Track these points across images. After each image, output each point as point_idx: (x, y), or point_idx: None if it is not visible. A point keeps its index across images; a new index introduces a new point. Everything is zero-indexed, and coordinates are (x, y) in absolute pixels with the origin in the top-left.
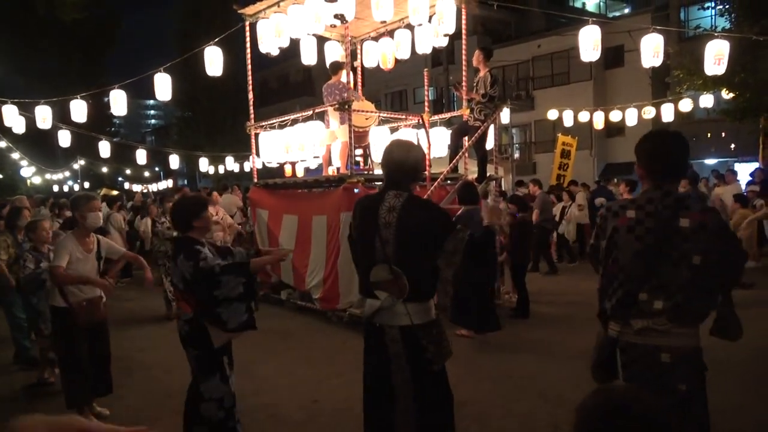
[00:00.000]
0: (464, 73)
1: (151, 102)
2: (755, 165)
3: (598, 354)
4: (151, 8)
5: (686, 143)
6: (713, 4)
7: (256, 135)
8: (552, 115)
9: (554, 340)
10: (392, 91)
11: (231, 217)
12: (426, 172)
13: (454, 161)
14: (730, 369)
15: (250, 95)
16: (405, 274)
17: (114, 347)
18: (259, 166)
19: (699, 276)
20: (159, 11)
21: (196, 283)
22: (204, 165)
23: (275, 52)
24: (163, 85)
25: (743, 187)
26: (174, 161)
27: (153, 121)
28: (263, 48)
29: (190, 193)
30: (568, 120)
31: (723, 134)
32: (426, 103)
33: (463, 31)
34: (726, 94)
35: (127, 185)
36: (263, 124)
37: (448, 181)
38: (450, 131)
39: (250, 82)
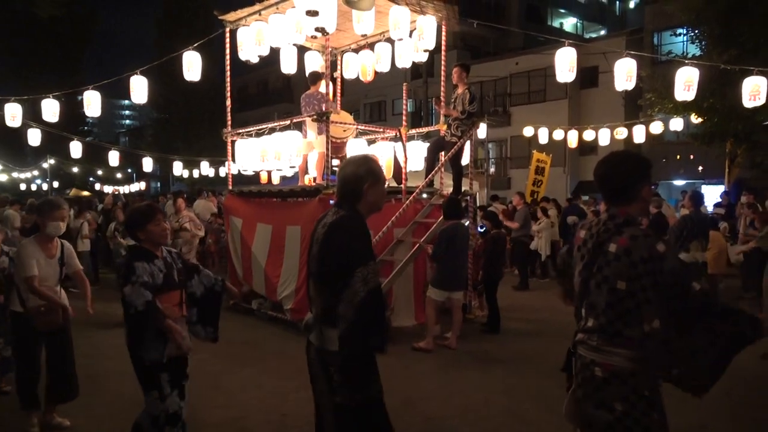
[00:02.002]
0: (443, 87)
1: (127, 102)
2: (722, 187)
3: (565, 358)
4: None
5: (636, 167)
6: (685, 31)
7: (233, 142)
8: (528, 131)
9: (524, 355)
10: (371, 101)
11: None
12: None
13: (430, 176)
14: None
15: (228, 102)
16: (320, 295)
17: (80, 353)
18: (235, 173)
19: (624, 301)
20: (139, 11)
21: (122, 302)
22: (178, 168)
23: (255, 60)
24: (139, 88)
25: (710, 209)
26: (148, 164)
27: (128, 121)
28: (243, 55)
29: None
30: (543, 137)
31: (691, 157)
32: (404, 117)
33: (443, 47)
34: (695, 119)
35: (98, 186)
36: (240, 131)
37: (424, 195)
38: (427, 145)
39: (228, 89)
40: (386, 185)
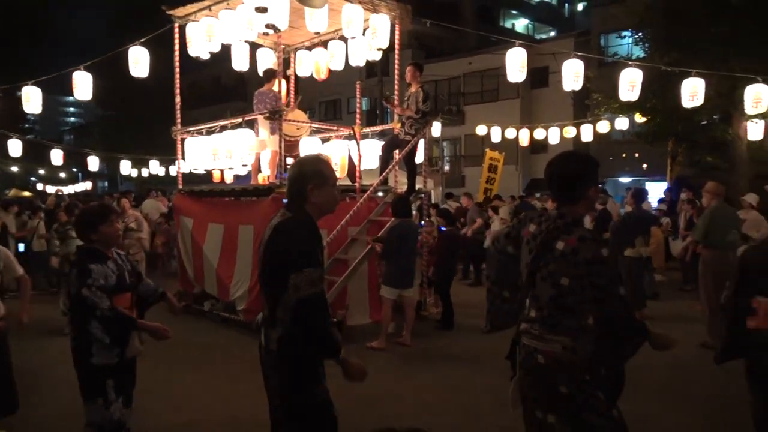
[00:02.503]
0: (396, 86)
1: (71, 99)
2: (664, 185)
3: (509, 348)
4: (77, 1)
5: (584, 168)
6: (630, 34)
7: (183, 140)
8: (481, 130)
9: (478, 351)
10: (326, 99)
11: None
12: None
13: (384, 174)
14: (644, 379)
15: (177, 99)
16: (264, 296)
17: (20, 362)
18: (186, 172)
19: (564, 296)
20: (86, 5)
21: (75, 306)
22: (126, 167)
23: (205, 56)
24: (83, 84)
25: (653, 205)
26: (94, 162)
27: (72, 119)
28: (193, 51)
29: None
30: (496, 136)
31: (636, 155)
32: (358, 115)
33: (396, 46)
34: (639, 118)
35: (40, 186)
36: (190, 129)
37: (380, 194)
38: (382, 143)
39: (178, 86)
40: (337, 187)
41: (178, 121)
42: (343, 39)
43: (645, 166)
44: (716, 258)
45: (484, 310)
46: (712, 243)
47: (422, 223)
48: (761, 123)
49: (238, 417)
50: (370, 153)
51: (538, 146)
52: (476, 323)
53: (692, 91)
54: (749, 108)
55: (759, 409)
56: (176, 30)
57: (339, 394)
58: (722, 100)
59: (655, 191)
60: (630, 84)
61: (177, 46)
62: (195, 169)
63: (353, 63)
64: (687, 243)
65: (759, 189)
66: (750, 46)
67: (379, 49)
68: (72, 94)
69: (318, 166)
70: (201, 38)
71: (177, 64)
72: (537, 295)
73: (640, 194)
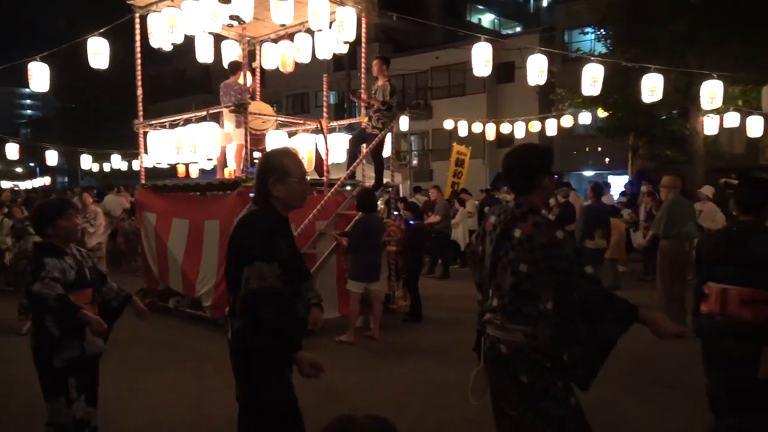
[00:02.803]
0: (363, 80)
1: (27, 91)
2: (626, 178)
3: (476, 339)
4: None
5: (538, 159)
6: (593, 30)
7: (145, 133)
8: (448, 124)
9: (445, 343)
10: (294, 93)
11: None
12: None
13: (351, 168)
14: (605, 366)
15: (139, 91)
16: (228, 288)
17: None
18: (150, 166)
19: (523, 283)
20: None
21: (32, 302)
22: (87, 162)
23: (168, 48)
24: (39, 75)
25: (616, 198)
26: (52, 157)
27: (29, 111)
28: (155, 43)
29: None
30: (463, 130)
31: (599, 149)
32: (324, 109)
33: (363, 39)
34: (601, 113)
35: None
36: (153, 122)
37: (348, 188)
38: (349, 137)
39: (139, 78)
40: (305, 181)
41: (140, 113)
42: (310, 32)
43: (607, 159)
44: (673, 249)
45: (453, 303)
46: (669, 235)
47: (391, 216)
48: (716, 118)
49: (206, 414)
50: (337, 147)
51: (504, 140)
52: (444, 316)
53: (651, 87)
54: (705, 103)
55: (713, 388)
56: (137, 20)
57: (307, 388)
58: (680, 95)
59: (617, 184)
60: (592, 79)
61: (138, 38)
62: (158, 163)
63: (320, 56)
64: (649, 237)
65: (714, 181)
66: (706, 44)
67: (345, 42)
68: (28, 86)
69: (282, 159)
70: (163, 29)
71: (138, 55)
72: (498, 285)
73: (599, 188)
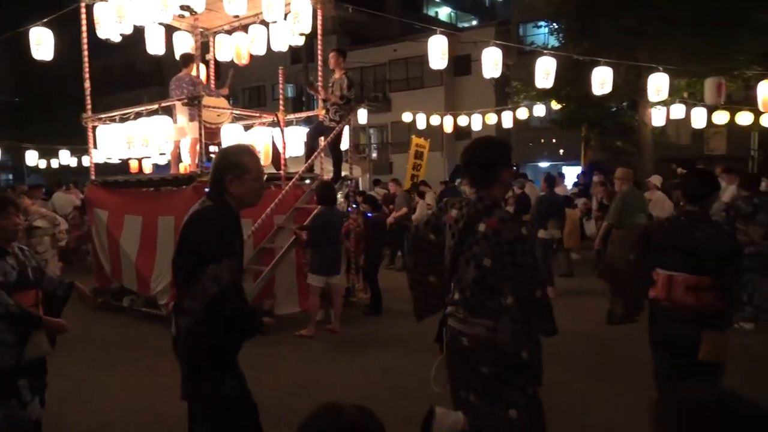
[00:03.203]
0: (320, 72)
1: None
2: (579, 168)
3: (437, 330)
4: None
5: (496, 153)
6: (546, 24)
7: (95, 128)
8: (407, 117)
9: (406, 334)
10: (250, 86)
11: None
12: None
13: (309, 161)
14: (558, 350)
15: (87, 83)
16: (176, 284)
17: None
18: (101, 162)
19: (487, 277)
20: None
21: None
22: (33, 158)
23: (116, 39)
24: None
25: (569, 188)
26: None
27: None
28: (102, 33)
29: None
30: (421, 123)
31: (554, 141)
32: (281, 102)
33: (319, 32)
34: (555, 105)
35: None
36: (102, 116)
37: (307, 181)
38: (307, 130)
39: (87, 69)
40: (261, 180)
41: (89, 107)
42: (264, 23)
43: (562, 151)
44: (624, 238)
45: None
46: (622, 225)
47: (350, 209)
48: (663, 110)
49: (160, 413)
50: (295, 140)
51: (462, 133)
52: (404, 307)
53: (602, 80)
54: (652, 95)
55: (659, 369)
56: (83, 10)
57: (267, 383)
58: (629, 88)
59: (571, 175)
60: (545, 72)
61: (85, 28)
62: (109, 158)
63: (275, 48)
64: (604, 229)
65: (662, 171)
66: (654, 37)
67: (301, 35)
68: None
69: (240, 157)
70: (111, 19)
71: (85, 46)
72: (460, 278)
73: (552, 179)
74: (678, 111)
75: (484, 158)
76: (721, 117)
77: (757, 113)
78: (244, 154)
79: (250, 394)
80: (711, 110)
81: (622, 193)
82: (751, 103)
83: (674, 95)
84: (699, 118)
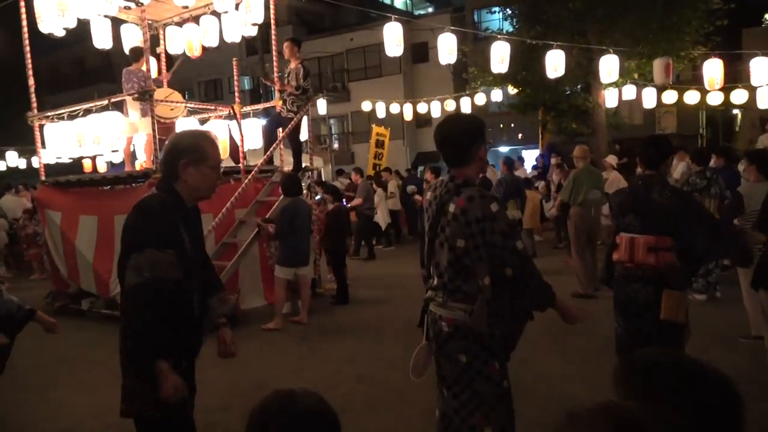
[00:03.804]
0: (275, 63)
1: None
2: (537, 152)
3: (420, 316)
4: None
5: (470, 129)
6: (500, 10)
7: (41, 126)
8: (366, 106)
9: (371, 323)
10: (205, 79)
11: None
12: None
13: (268, 153)
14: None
15: (31, 81)
16: (118, 278)
17: None
18: (51, 162)
19: (462, 258)
20: None
21: None
22: None
23: (60, 34)
24: None
25: (528, 171)
26: None
27: None
28: (44, 28)
29: None
30: (381, 111)
31: (512, 125)
32: (237, 94)
33: (272, 21)
34: (512, 90)
35: None
36: (48, 114)
37: (268, 173)
38: (264, 122)
39: (30, 66)
40: (218, 170)
41: (34, 105)
42: (216, 14)
43: (520, 135)
44: (580, 214)
45: (378, 282)
46: (575, 201)
47: (318, 199)
48: (615, 91)
49: (116, 421)
50: (253, 132)
51: (422, 120)
52: (370, 295)
53: (555, 63)
54: (604, 77)
55: (621, 331)
56: (22, 3)
57: (234, 378)
58: (582, 71)
59: (531, 158)
60: (500, 57)
61: (25, 22)
62: (59, 158)
63: (228, 39)
64: (556, 204)
65: (617, 151)
66: (603, 21)
67: (254, 24)
68: None
69: (198, 140)
70: (52, 12)
71: (26, 41)
72: (438, 262)
73: (510, 161)
74: (629, 92)
75: (457, 136)
76: (670, 96)
77: (704, 92)
78: (203, 139)
79: (186, 416)
80: (660, 90)
81: (573, 173)
82: (698, 83)
83: (625, 76)
84: (649, 98)
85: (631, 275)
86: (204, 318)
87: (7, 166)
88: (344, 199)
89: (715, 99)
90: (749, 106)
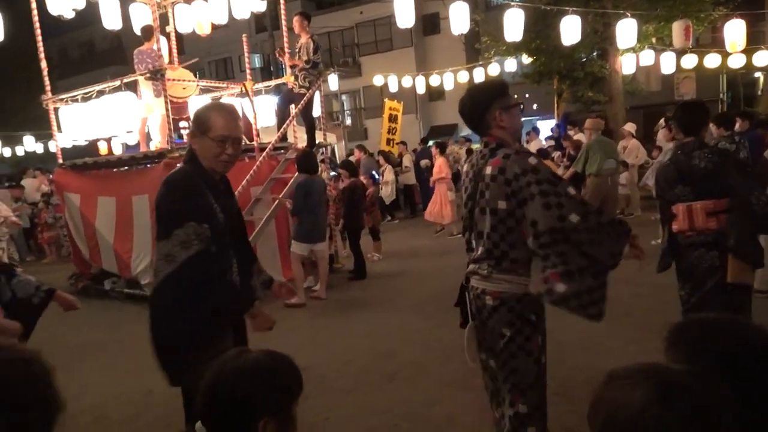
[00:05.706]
0: (285, 39)
1: None
2: (553, 122)
3: (458, 294)
4: None
5: (484, 95)
6: None
7: (56, 109)
8: (378, 80)
9: (387, 297)
10: (215, 58)
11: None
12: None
13: (281, 130)
14: None
15: (43, 64)
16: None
17: None
18: (68, 145)
19: (506, 220)
20: None
21: None
22: None
23: (69, 15)
24: None
25: (543, 142)
26: None
27: None
28: (54, 10)
29: None
30: (393, 85)
31: (527, 95)
32: (248, 71)
33: None
34: (526, 59)
35: None
36: (62, 96)
37: (282, 151)
38: (277, 99)
39: (41, 49)
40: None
41: (47, 88)
42: None
43: (535, 105)
44: (595, 184)
45: (392, 256)
46: (590, 171)
47: (332, 176)
48: (632, 57)
49: (153, 390)
50: (265, 110)
51: (434, 93)
52: (386, 269)
53: (570, 30)
54: (621, 42)
55: (686, 299)
56: None
57: None
58: (597, 37)
59: (546, 129)
60: (514, 25)
61: (34, 4)
62: (75, 140)
63: (237, 16)
64: (568, 174)
65: (635, 119)
66: None
67: (262, 0)
68: None
69: (207, 111)
70: None
71: (37, 24)
72: (480, 231)
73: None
74: (647, 57)
75: (472, 104)
76: (689, 60)
77: (725, 55)
78: (212, 109)
79: None
80: (680, 55)
81: (587, 144)
82: (718, 46)
83: (643, 41)
84: (668, 63)
85: (693, 242)
86: (243, 288)
87: (25, 151)
88: (377, 175)
89: (736, 62)
90: None
